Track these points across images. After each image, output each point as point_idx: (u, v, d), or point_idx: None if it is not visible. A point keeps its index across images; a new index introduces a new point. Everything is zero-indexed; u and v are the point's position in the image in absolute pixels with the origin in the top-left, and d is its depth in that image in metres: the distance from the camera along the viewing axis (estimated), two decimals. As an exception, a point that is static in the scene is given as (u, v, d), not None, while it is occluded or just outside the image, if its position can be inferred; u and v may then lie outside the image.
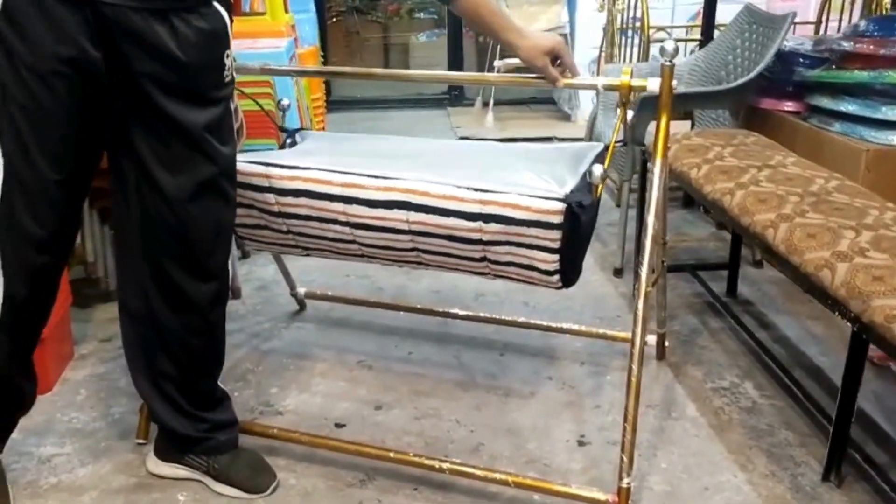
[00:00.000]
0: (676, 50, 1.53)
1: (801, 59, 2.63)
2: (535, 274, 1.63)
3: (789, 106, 2.66)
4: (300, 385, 2.06)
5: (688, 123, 3.07)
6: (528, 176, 1.64)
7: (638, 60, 3.31)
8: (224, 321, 1.66)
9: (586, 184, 1.56)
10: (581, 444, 1.81)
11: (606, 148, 1.68)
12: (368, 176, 1.64)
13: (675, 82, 1.54)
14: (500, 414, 1.92)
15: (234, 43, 1.48)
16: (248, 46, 3.02)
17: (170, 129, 1.40)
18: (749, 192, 1.77)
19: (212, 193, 1.49)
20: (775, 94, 2.69)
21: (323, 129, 4.62)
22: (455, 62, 5.89)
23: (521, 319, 2.24)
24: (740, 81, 2.49)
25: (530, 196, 1.52)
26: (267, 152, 1.89)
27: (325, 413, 1.93)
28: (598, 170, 1.45)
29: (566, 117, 5.10)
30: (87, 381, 2.08)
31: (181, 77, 1.37)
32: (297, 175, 1.68)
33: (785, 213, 1.64)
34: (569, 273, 1.62)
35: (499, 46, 5.04)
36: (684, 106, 2.70)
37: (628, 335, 1.87)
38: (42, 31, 1.24)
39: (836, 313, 1.41)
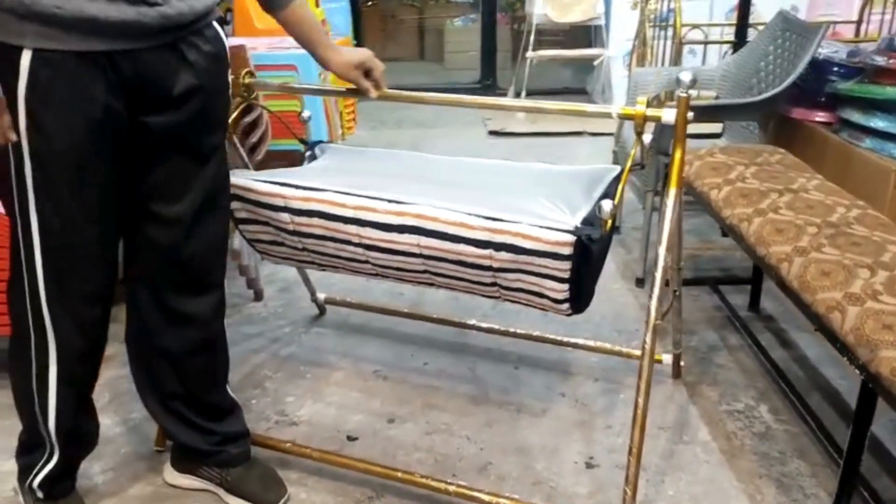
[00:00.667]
0: (694, 81, 1.51)
1: (835, 69, 2.58)
2: (545, 301, 1.63)
3: (821, 116, 2.61)
4: (315, 394, 2.09)
5: (719, 126, 3.03)
6: (541, 203, 1.63)
7: (670, 63, 3.26)
8: (224, 332, 1.68)
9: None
10: (589, 466, 1.81)
11: (619, 168, 1.67)
12: (381, 199, 1.65)
13: (690, 114, 1.52)
14: (510, 431, 1.93)
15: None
16: (274, 46, 3.05)
17: (184, 158, 1.44)
18: (767, 219, 1.75)
19: (210, 213, 1.52)
20: (807, 103, 2.64)
21: (353, 119, 4.65)
22: (488, 49, 5.85)
23: (536, 333, 2.24)
24: (769, 94, 2.44)
25: (540, 227, 1.51)
26: (284, 170, 1.91)
27: (338, 425, 1.96)
28: (607, 206, 1.44)
29: (599, 110, 5.05)
30: (110, 383, 2.13)
31: (197, 107, 1.40)
32: (311, 196, 1.70)
33: (801, 245, 1.61)
34: (579, 301, 1.62)
35: (532, 38, 5.01)
36: (711, 119, 2.65)
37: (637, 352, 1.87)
38: (67, 97, 1.26)
39: (846, 358, 1.39)
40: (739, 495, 1.71)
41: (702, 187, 2.03)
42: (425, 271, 1.70)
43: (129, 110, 1.33)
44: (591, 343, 2.20)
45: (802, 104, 2.65)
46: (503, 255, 1.56)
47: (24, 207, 1.34)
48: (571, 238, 1.49)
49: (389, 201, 1.64)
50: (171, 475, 1.76)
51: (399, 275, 1.76)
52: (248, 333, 2.42)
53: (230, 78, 1.52)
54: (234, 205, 1.80)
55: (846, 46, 2.74)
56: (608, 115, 1.58)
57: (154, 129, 1.37)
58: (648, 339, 1.52)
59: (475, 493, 1.62)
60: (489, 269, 1.61)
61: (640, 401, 1.50)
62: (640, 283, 2.68)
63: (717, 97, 2.88)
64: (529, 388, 2.11)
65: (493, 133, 4.76)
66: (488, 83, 5.76)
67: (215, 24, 1.46)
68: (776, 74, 2.67)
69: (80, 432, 1.60)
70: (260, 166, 2.74)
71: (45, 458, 1.57)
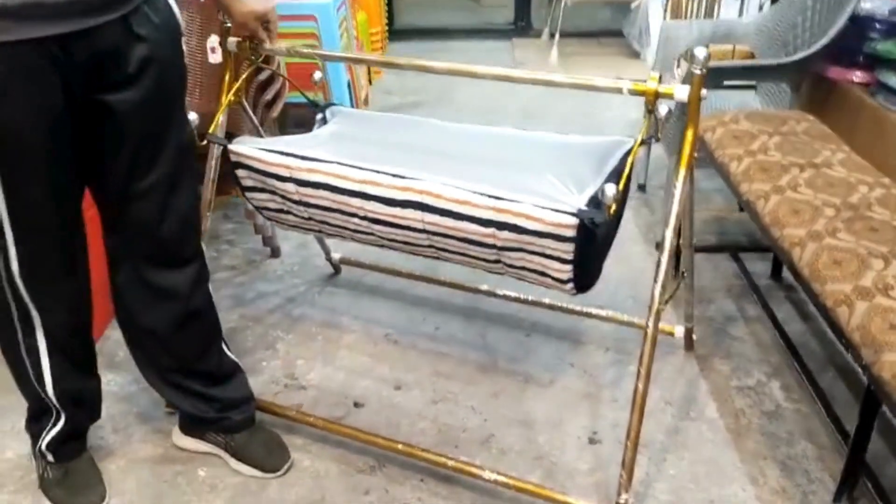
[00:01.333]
0: (708, 57, 1.44)
1: (877, 25, 2.44)
2: (548, 280, 1.61)
3: (858, 76, 2.49)
4: (326, 358, 2.11)
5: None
6: (548, 181, 1.60)
7: (705, 14, 3.12)
8: (209, 299, 1.69)
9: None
10: (592, 441, 1.81)
11: (639, 142, 1.62)
12: (385, 174, 1.62)
13: (704, 91, 1.46)
14: (516, 402, 1.94)
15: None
16: (293, -6, 2.97)
17: (147, 133, 1.44)
18: (784, 198, 1.69)
19: (178, 185, 1.52)
20: (844, 62, 2.51)
21: (382, 64, 4.53)
22: (524, -9, 5.67)
23: (548, 301, 2.22)
24: (801, 55, 2.33)
25: (543, 208, 1.48)
26: (292, 137, 1.89)
27: (345, 390, 1.98)
28: (610, 190, 1.39)
29: (635, 55, 4.90)
30: (121, 343, 2.14)
31: (153, 81, 1.39)
32: (315, 168, 1.68)
33: (815, 230, 1.56)
34: (583, 281, 1.60)
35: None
36: (742, 79, 2.55)
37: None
38: (25, 87, 1.25)
39: (850, 356, 1.35)
40: (742, 477, 1.70)
41: (722, 158, 1.96)
42: (430, 246, 1.68)
43: (87, 92, 1.33)
44: (602, 313, 2.17)
45: (839, 63, 2.52)
46: (506, 234, 1.54)
47: None
48: (574, 220, 1.46)
49: (394, 175, 1.61)
50: (179, 438, 1.80)
51: (404, 247, 1.74)
52: (264, 291, 2.44)
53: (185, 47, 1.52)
54: (240, 172, 1.79)
55: (891, 1, 2.59)
56: (619, 91, 1.52)
57: (114, 107, 1.36)
58: (650, 324, 1.50)
59: (474, 470, 1.64)
60: (493, 247, 1.59)
61: (640, 386, 1.49)
62: (659, 246, 2.62)
63: (751, 54, 2.76)
64: (539, 356, 2.11)
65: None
66: (522, 24, 5.60)
67: None
68: (813, 31, 2.54)
69: (82, 396, 1.64)
70: (280, 120, 2.72)
71: (51, 422, 1.62)
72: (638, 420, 1.49)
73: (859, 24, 2.45)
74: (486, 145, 1.83)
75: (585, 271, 1.58)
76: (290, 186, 1.73)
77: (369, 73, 4.27)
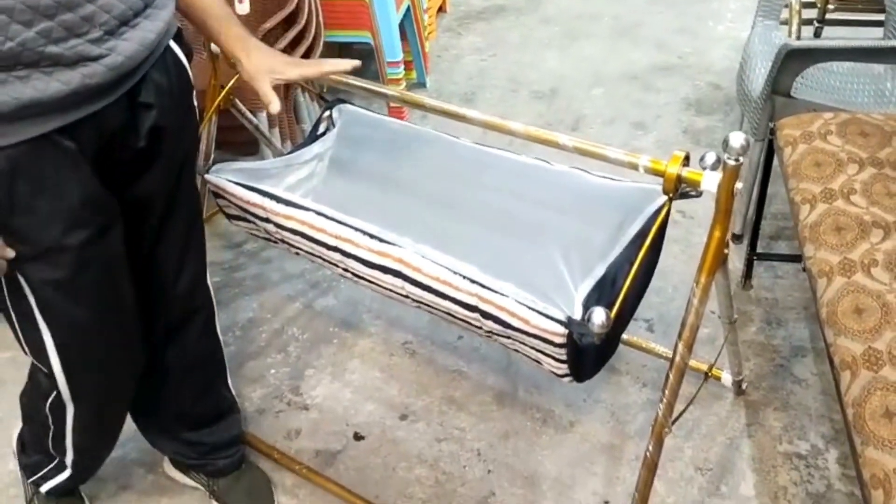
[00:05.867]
0: (747, 145, 1.11)
1: None
2: (544, 368, 1.38)
3: None
4: (335, 369, 1.98)
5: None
6: (549, 258, 1.35)
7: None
8: (217, 343, 1.58)
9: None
10: (601, 514, 1.63)
11: (665, 198, 1.30)
12: (363, 233, 1.40)
13: (739, 184, 1.13)
14: (527, 449, 1.76)
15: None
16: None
17: (161, 201, 1.32)
18: (831, 208, 1.40)
19: (188, 249, 1.41)
20: None
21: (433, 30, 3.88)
22: None
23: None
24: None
25: (529, 308, 1.23)
26: (283, 158, 1.67)
27: (348, 416, 1.86)
28: (598, 318, 1.12)
29: None
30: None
31: (162, 157, 1.25)
32: (291, 214, 1.47)
33: (850, 258, 1.30)
34: (583, 377, 1.36)
35: None
36: (831, 58, 2.07)
37: (703, 366, 1.61)
38: (37, 190, 1.08)
39: (846, 434, 1.13)
40: (762, 588, 1.49)
41: (794, 195, 1.59)
42: (419, 307, 1.48)
43: (103, 178, 1.16)
44: (643, 342, 1.91)
45: None
46: (491, 323, 1.31)
47: (30, 323, 1.20)
48: (563, 330, 1.21)
49: (371, 237, 1.39)
50: (169, 468, 1.75)
51: (396, 300, 1.54)
52: (290, 274, 2.30)
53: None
54: (221, 202, 1.61)
55: None
56: (634, 167, 1.21)
57: (134, 192, 1.24)
58: (651, 448, 1.26)
59: (455, 553, 1.50)
60: (480, 328, 1.36)
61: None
62: (736, 238, 2.29)
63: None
64: (564, 387, 1.89)
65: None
66: None
67: (172, 43, 1.22)
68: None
69: (100, 457, 1.57)
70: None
71: (53, 469, 1.55)
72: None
73: None
74: (496, 187, 1.55)
75: (584, 370, 1.34)
76: (270, 227, 1.54)
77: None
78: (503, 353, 1.99)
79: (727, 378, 1.80)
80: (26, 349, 1.28)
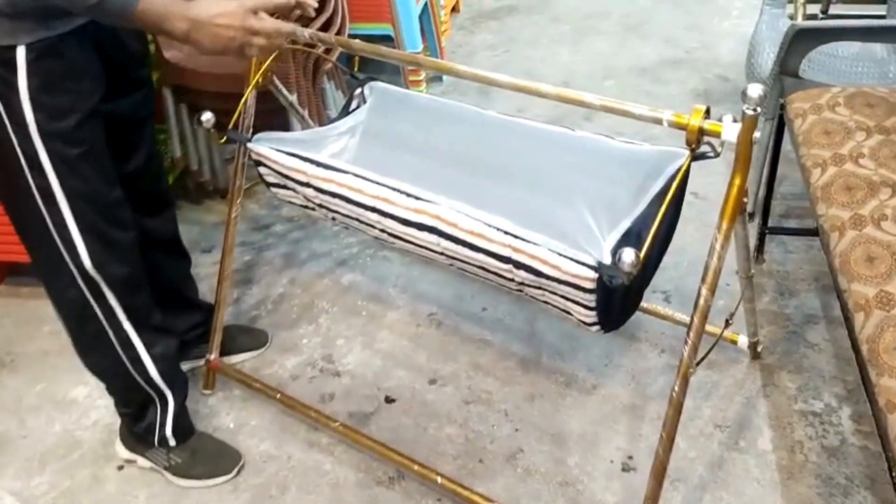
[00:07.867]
0: (764, 95, 1.19)
1: None
2: (573, 318, 1.46)
3: None
4: (365, 339, 2.06)
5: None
6: (578, 212, 1.42)
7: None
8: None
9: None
10: (625, 468, 1.70)
11: (691, 158, 1.38)
12: (400, 192, 1.48)
13: (757, 134, 1.21)
14: (552, 410, 1.83)
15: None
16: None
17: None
18: (841, 171, 1.48)
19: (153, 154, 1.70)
20: None
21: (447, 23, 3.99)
22: None
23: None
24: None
25: (561, 255, 1.31)
26: (313, 131, 1.76)
27: (379, 381, 1.94)
28: (628, 257, 1.20)
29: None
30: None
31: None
32: (331, 177, 1.56)
33: (861, 213, 1.37)
34: (610, 325, 1.44)
35: None
36: (838, 38, 2.16)
37: (718, 329, 1.68)
38: (68, 77, 1.33)
39: (858, 369, 1.20)
40: (781, 532, 1.56)
41: (805, 160, 1.68)
42: (451, 265, 1.56)
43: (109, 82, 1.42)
44: (663, 310, 1.98)
45: None
46: (523, 273, 1.39)
47: (47, 191, 1.37)
48: (593, 274, 1.29)
49: (408, 195, 1.48)
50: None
51: (429, 260, 1.62)
52: (317, 252, 2.39)
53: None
54: (262, 170, 1.70)
55: None
56: (658, 122, 1.29)
57: (128, 100, 1.52)
58: (677, 388, 1.34)
59: None
60: (512, 280, 1.44)
61: (660, 451, 1.35)
62: (748, 216, 2.36)
63: None
64: (587, 353, 1.97)
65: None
66: None
67: None
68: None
69: (177, 366, 1.72)
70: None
71: (161, 408, 1.68)
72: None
73: None
74: (524, 151, 1.64)
75: (612, 317, 1.42)
76: (309, 191, 1.62)
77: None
78: (526, 323, 2.07)
79: (743, 341, 1.87)
80: (55, 235, 1.41)
